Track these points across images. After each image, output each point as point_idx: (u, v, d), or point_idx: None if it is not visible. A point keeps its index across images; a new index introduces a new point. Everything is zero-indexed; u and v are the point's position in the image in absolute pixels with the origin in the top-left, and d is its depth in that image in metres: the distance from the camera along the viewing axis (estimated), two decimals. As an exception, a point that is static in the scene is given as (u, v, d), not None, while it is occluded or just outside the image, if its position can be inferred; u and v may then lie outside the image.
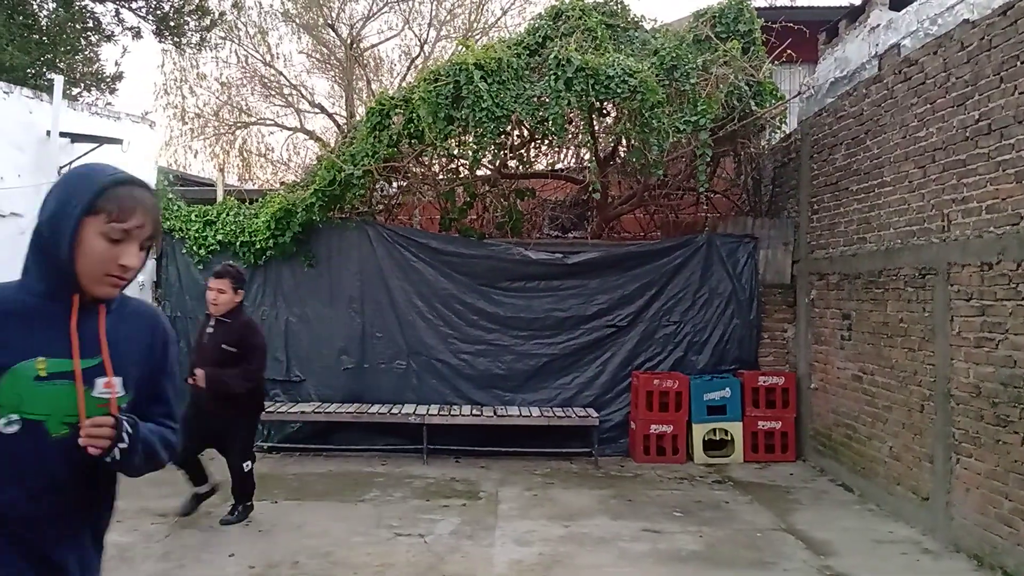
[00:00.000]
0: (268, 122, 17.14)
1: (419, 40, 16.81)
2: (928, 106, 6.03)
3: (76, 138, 7.06)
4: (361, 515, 6.41)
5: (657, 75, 7.39)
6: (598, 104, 7.79)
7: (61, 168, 6.88)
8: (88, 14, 12.91)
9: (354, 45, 16.63)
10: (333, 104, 17.37)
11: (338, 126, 16.19)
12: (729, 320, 8.56)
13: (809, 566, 5.33)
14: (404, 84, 13.48)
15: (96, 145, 7.17)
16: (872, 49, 6.99)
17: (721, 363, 8.51)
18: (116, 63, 16.06)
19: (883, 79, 6.76)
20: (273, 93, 16.97)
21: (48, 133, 6.75)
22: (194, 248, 8.69)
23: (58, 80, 6.99)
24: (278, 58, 17.08)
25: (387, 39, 17.73)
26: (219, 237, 8.64)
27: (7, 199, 6.19)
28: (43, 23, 12.41)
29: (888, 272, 6.57)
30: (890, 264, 6.53)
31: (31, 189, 6.45)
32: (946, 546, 5.57)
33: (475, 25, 16.66)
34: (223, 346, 5.68)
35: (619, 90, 7.18)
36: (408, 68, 16.69)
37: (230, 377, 5.65)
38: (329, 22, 16.61)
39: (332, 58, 17.17)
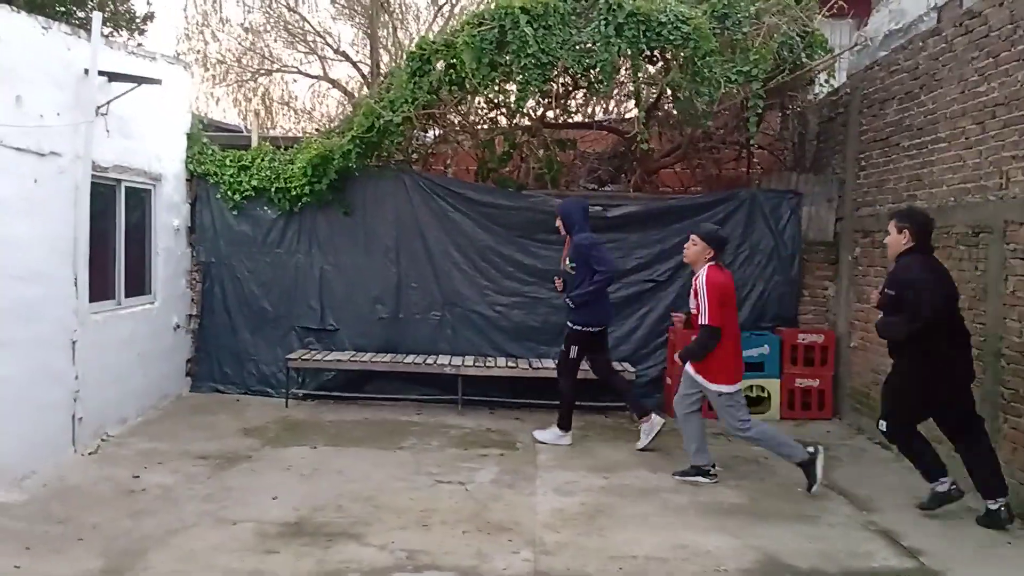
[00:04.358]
0: (291, 69, 16.89)
1: (447, -14, 16.44)
2: (990, 60, 5.83)
3: (114, 77, 6.91)
4: (400, 462, 6.44)
5: (709, 23, 7.19)
6: (648, 52, 7.59)
7: (99, 108, 6.77)
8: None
9: (380, -10, 16.27)
10: (357, 52, 17.08)
11: (362, 75, 15.93)
12: (770, 277, 8.44)
13: (853, 521, 5.33)
14: (431, 31, 13.20)
15: (135, 85, 7.03)
16: (931, 1, 6.76)
17: (760, 320, 8.40)
18: (148, 2, 15.81)
19: (942, 32, 6.54)
20: (297, 40, 16.67)
21: (86, 71, 6.60)
22: (228, 193, 8.60)
23: (96, 17, 6.83)
24: (303, 3, 16.78)
25: (414, -15, 17.35)
26: (254, 183, 8.53)
27: (47, 138, 6.08)
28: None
29: (939, 230, 6.40)
30: (942, 222, 6.36)
31: (69, 128, 6.35)
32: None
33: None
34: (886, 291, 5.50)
35: (672, 37, 6.97)
36: (435, 15, 16.37)
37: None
38: (356, -35, 16.24)
39: (357, 4, 16.84)
